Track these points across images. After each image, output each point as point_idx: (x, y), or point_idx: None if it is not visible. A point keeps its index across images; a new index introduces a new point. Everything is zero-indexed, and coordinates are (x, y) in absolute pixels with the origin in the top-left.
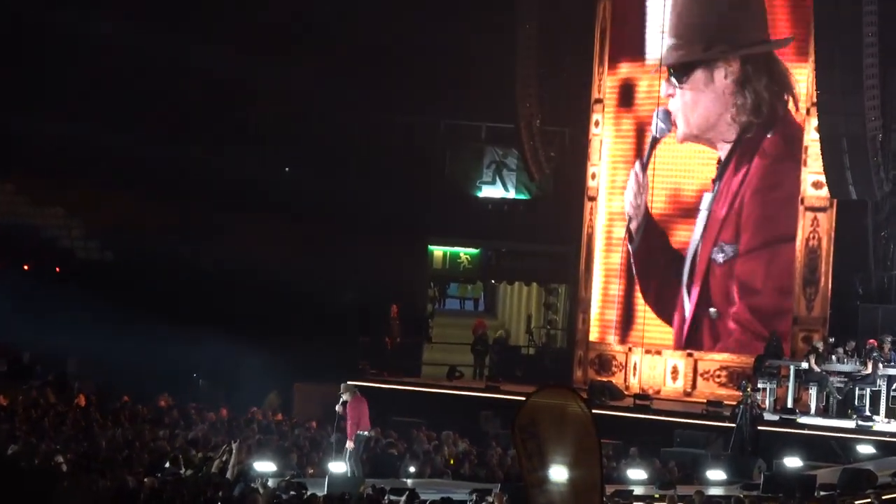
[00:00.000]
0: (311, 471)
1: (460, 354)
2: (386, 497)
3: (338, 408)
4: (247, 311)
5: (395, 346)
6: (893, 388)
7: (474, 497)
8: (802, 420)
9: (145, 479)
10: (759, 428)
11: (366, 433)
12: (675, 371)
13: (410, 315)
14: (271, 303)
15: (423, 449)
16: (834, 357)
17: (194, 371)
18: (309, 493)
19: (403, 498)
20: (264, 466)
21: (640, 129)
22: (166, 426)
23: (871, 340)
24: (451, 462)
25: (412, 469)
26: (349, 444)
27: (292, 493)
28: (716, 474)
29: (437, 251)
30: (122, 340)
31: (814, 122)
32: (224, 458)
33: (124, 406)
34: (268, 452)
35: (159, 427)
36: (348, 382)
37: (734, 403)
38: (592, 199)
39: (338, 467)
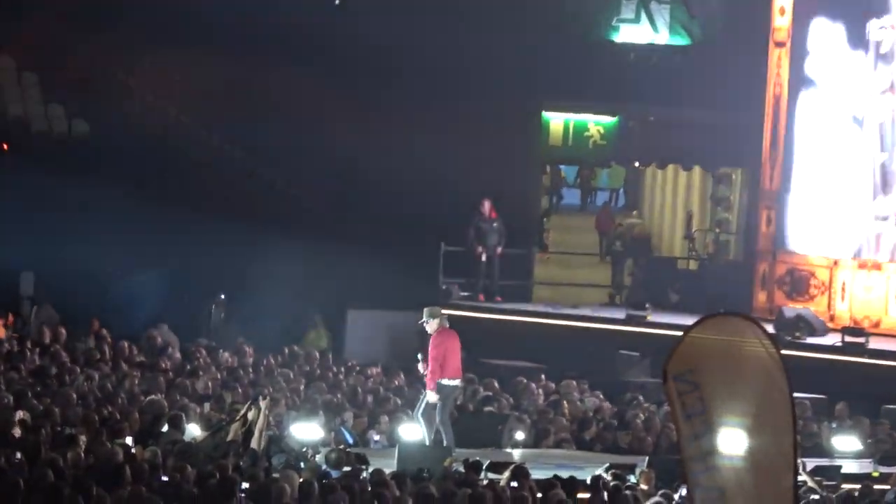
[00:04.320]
0: (375, 437)
1: (588, 270)
2: (483, 475)
3: (421, 367)
4: (280, 206)
5: (494, 258)
6: None
7: (610, 476)
8: None
9: (134, 449)
10: None
11: (456, 382)
12: None
13: (517, 214)
14: (314, 195)
15: (535, 406)
16: None
17: (206, 292)
18: (371, 468)
19: (506, 475)
20: (305, 431)
21: None
22: (164, 372)
23: None
24: (576, 425)
25: (520, 435)
26: (430, 397)
27: (346, 469)
28: None
29: (555, 121)
30: (98, 249)
31: None
32: (250, 419)
33: (103, 343)
34: (310, 411)
35: (154, 374)
36: (435, 307)
37: None
38: (781, 44)
39: (412, 432)
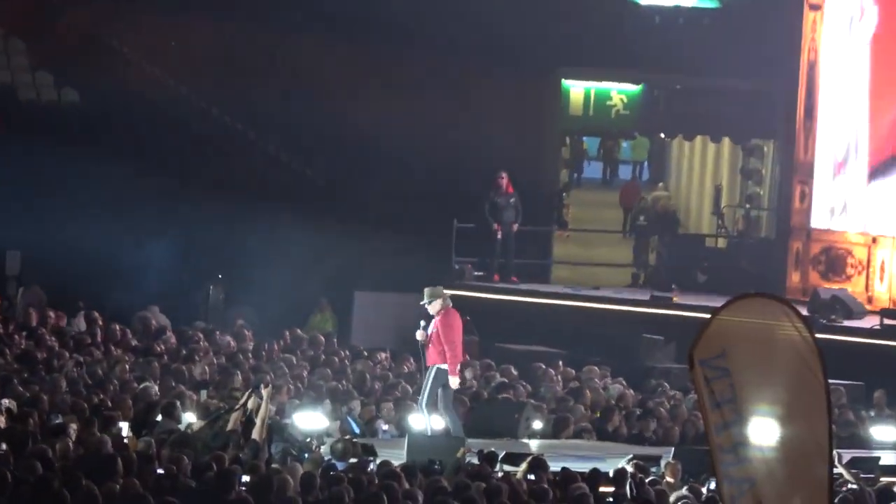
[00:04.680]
0: (384, 426)
1: (610, 249)
2: (498, 467)
3: (419, 335)
4: (282, 180)
5: (510, 236)
6: None
7: (633, 468)
8: None
9: (126, 439)
10: None
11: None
12: None
13: (534, 189)
14: (319, 169)
15: (554, 394)
16: None
17: (204, 272)
18: (379, 460)
19: (523, 467)
20: (309, 420)
21: None
22: (159, 357)
23: None
24: (598, 414)
25: (537, 425)
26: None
27: (352, 460)
28: None
29: (576, 90)
30: (89, 226)
31: None
32: (250, 408)
33: (94, 326)
34: (315, 398)
35: (148, 359)
36: (437, 286)
37: None
38: (816, 7)
39: (423, 421)
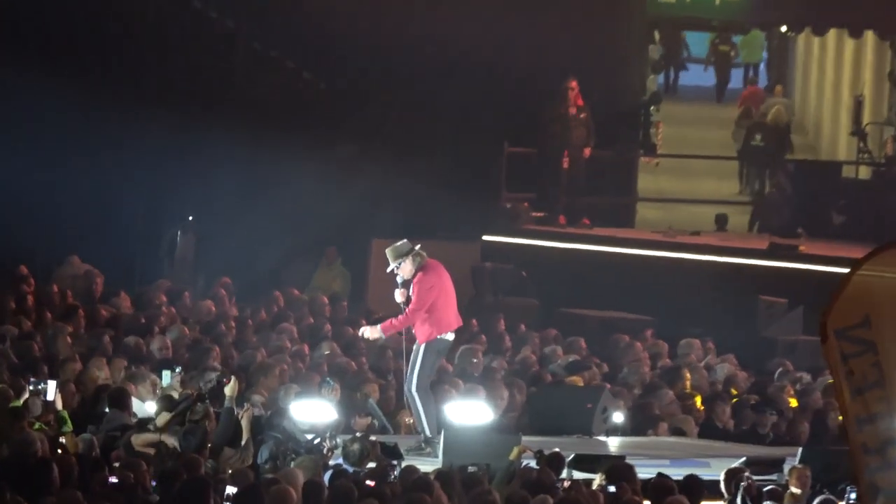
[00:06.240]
0: (408, 419)
1: (715, 181)
2: (566, 473)
3: (398, 294)
4: (275, 90)
5: (580, 164)
6: None
7: (748, 476)
8: None
9: (63, 439)
10: None
11: (451, 337)
12: None
13: (612, 101)
14: (324, 75)
15: (640, 376)
16: None
17: (169, 213)
18: (404, 464)
19: (600, 476)
20: (311, 411)
21: None
22: (110, 327)
23: None
24: (699, 402)
25: (618, 417)
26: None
27: (370, 465)
28: None
29: None
30: (9, 152)
31: None
32: (199, 405)
33: (21, 286)
34: (319, 382)
35: (94, 333)
36: (400, 243)
37: None
38: None
39: (463, 413)
